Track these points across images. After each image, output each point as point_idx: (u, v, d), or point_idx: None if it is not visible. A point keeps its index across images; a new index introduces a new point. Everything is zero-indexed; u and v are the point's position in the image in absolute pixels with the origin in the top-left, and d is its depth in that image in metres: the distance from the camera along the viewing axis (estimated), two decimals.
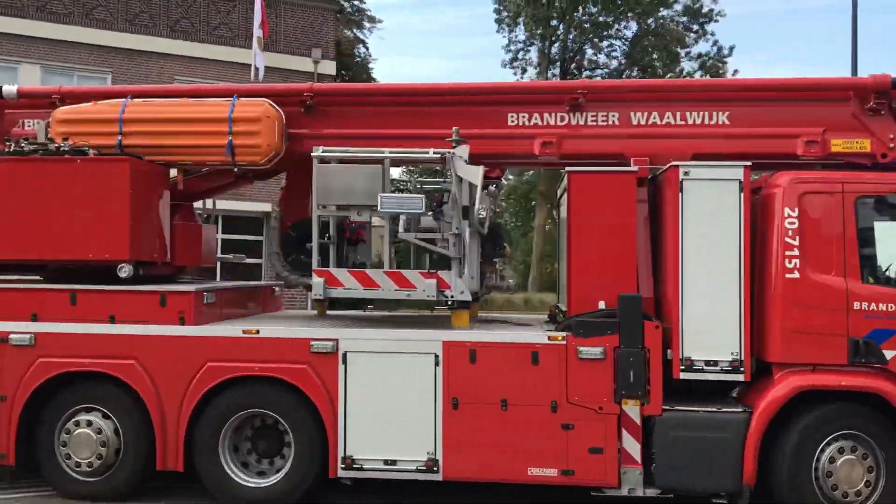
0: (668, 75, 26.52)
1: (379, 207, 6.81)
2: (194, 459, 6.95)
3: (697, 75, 26.87)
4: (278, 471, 6.98)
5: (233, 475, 6.97)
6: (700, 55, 27.03)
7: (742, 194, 6.56)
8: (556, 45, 28.42)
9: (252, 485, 6.97)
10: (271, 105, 7.54)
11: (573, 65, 29.12)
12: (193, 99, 7.80)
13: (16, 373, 7.04)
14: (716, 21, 27.00)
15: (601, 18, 27.84)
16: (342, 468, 6.79)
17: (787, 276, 6.51)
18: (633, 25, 27.72)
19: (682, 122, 7.44)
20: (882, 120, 7.16)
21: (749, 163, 6.68)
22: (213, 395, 6.90)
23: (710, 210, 6.60)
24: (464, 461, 6.70)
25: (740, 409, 6.59)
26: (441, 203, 7.04)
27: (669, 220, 6.75)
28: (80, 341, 7.03)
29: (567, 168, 7.04)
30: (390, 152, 7.09)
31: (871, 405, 6.46)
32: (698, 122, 7.43)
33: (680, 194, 6.61)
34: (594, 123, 7.53)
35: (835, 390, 6.47)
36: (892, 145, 7.09)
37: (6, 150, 7.43)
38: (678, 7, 27.13)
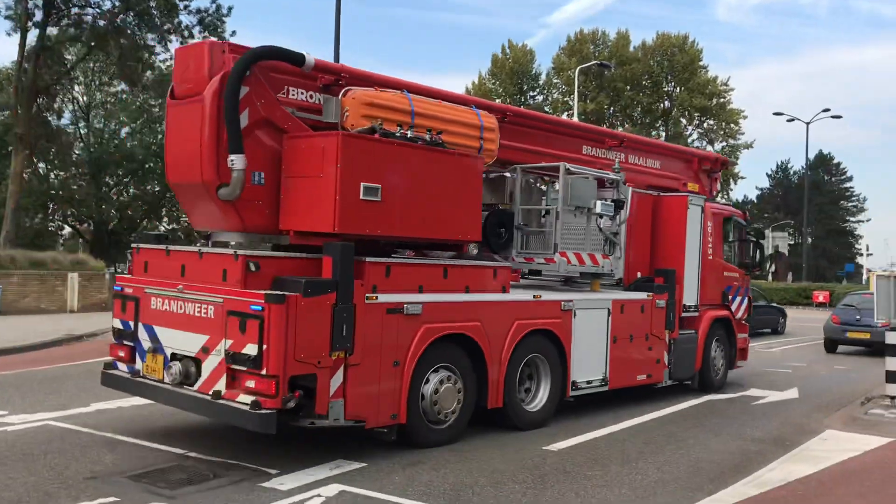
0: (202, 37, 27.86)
1: (595, 209, 10.15)
2: (505, 397, 8.99)
3: (196, 31, 28.68)
4: (538, 397, 9.59)
5: (522, 403, 9.33)
6: (200, 10, 28.69)
7: (703, 213, 12.33)
8: None
9: (528, 409, 9.44)
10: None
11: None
12: (443, 102, 9.06)
13: (406, 339, 7.83)
14: None
15: None
16: (571, 390, 9.93)
17: (708, 257, 12.48)
18: None
19: (649, 165, 12.58)
20: (704, 176, 13.74)
21: (705, 197, 12.58)
22: (518, 346, 9.09)
23: (694, 219, 12.13)
24: (616, 376, 10.65)
25: (694, 332, 12.29)
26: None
27: (679, 225, 11.96)
28: (449, 308, 8.27)
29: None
30: (597, 171, 10.65)
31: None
32: (655, 166, 12.70)
33: (687, 211, 11.98)
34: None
35: (722, 317, 12.83)
36: (709, 191, 13.76)
37: (361, 128, 7.77)
38: None
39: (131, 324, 8.30)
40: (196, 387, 7.47)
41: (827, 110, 47.15)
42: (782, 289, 46.81)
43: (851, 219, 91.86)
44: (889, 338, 11.21)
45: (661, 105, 78.12)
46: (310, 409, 7.15)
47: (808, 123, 47.07)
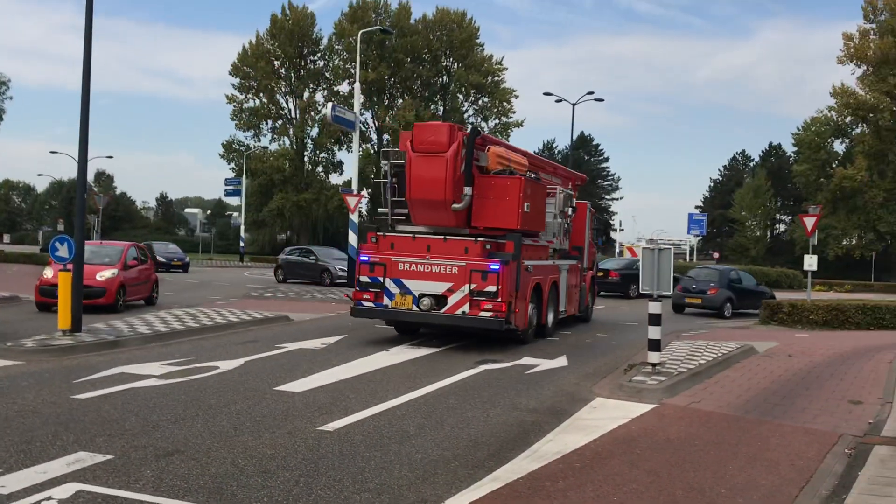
0: None
1: (569, 213, 18.59)
2: (546, 316, 16.32)
3: None
4: (550, 317, 16.60)
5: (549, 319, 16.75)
6: None
7: (589, 212, 20.67)
8: None
9: (549, 323, 16.48)
10: None
11: None
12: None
13: (528, 285, 15.96)
14: None
15: None
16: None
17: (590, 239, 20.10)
18: None
19: (555, 181, 18.36)
20: (574, 186, 20.30)
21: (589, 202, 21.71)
22: (551, 288, 16.46)
23: (587, 216, 20.05)
24: (567, 309, 18.55)
25: (584, 284, 20.02)
26: None
27: (583, 220, 19.77)
28: (537, 269, 15.53)
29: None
30: (568, 190, 18.87)
31: None
32: (558, 181, 18.45)
33: (586, 211, 20.13)
34: None
35: (594, 275, 21.71)
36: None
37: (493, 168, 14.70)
38: None
39: (380, 279, 14.32)
40: (442, 311, 13.90)
41: (591, 93, 49.98)
42: None
43: (607, 196, 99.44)
44: (651, 307, 11.75)
45: (440, 79, 79.37)
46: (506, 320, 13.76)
47: (573, 105, 49.68)
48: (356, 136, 33.04)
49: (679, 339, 16.55)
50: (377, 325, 16.68)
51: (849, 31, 70.90)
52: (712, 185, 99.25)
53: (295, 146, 77.78)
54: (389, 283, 14.19)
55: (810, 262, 23.40)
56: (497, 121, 77.59)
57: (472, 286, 13.57)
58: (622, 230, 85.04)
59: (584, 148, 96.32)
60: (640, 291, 12.48)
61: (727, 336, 17.53)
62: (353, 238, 30.14)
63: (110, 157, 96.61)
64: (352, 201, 30.04)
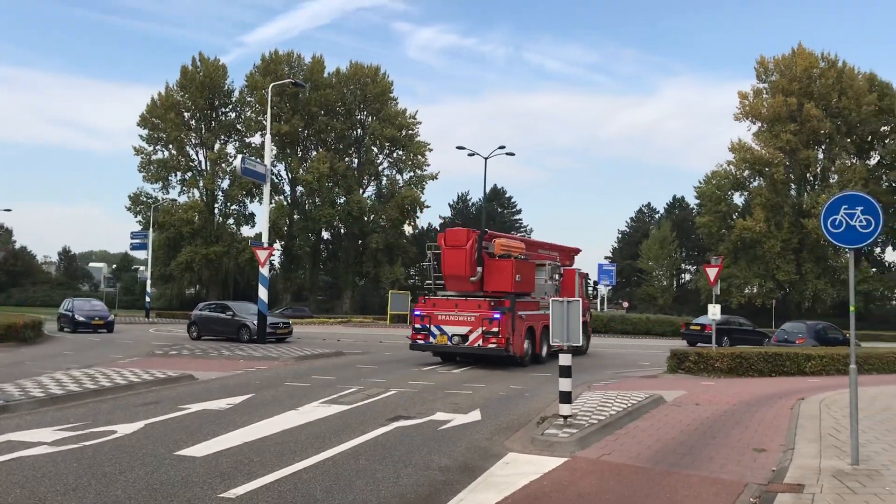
0: None
1: (556, 278, 26.91)
2: (540, 349, 24.01)
3: None
4: (545, 350, 24.18)
5: (542, 351, 24.33)
6: None
7: (578, 276, 28.62)
8: None
9: (544, 354, 24.30)
10: None
11: None
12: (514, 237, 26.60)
13: (522, 328, 22.88)
14: None
15: None
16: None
17: (580, 294, 27.38)
18: None
19: (553, 254, 27.48)
20: (571, 256, 29.69)
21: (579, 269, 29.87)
22: (543, 329, 23.39)
23: (576, 278, 27.92)
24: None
25: None
26: None
27: (572, 281, 27.68)
28: (529, 317, 23.39)
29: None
30: (555, 262, 27.64)
31: None
32: (555, 255, 28.04)
33: (575, 276, 28.00)
34: None
35: (585, 321, 27.54)
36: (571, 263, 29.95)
37: (498, 253, 23.10)
38: None
39: (428, 326, 22.53)
40: (466, 345, 22.14)
41: (502, 147, 50.99)
42: None
43: None
44: (561, 359, 11.81)
45: (354, 132, 79.67)
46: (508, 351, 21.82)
47: (486, 158, 50.49)
48: (267, 189, 32.64)
49: (590, 389, 16.67)
50: (313, 375, 16.59)
51: (744, 90, 75.10)
52: (620, 236, 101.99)
53: (205, 198, 76.34)
54: (433, 328, 22.60)
55: (714, 311, 24.14)
56: (412, 173, 78.21)
57: (483, 328, 21.93)
58: None
59: (498, 200, 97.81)
60: (551, 343, 12.53)
61: (637, 385, 17.78)
62: (262, 293, 29.45)
63: (8, 209, 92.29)
64: (262, 255, 29.51)
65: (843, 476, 8.62)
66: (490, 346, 21.75)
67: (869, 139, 74.38)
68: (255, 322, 30.95)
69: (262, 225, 33.28)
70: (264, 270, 29.53)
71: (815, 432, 11.55)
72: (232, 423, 11.83)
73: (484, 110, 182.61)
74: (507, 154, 51.51)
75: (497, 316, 21.65)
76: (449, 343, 22.32)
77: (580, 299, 12.34)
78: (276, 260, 79.25)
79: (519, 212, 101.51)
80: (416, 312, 23.16)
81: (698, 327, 37.42)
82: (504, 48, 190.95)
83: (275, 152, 74.09)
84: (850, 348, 9.96)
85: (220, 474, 8.46)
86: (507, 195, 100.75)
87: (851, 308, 10.07)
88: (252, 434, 10.91)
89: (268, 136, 34.83)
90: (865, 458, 9.47)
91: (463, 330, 22.18)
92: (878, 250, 76.74)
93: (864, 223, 9.49)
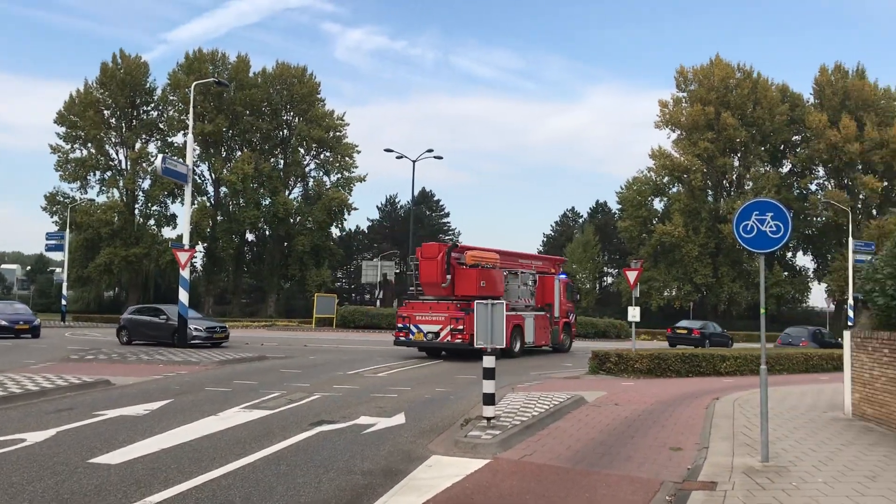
0: None
1: (530, 284, 31.47)
2: (522, 345, 29.29)
3: None
4: (517, 345, 28.91)
5: (521, 346, 29.18)
6: None
7: (558, 281, 32.30)
8: None
9: (524, 347, 29.50)
10: None
11: None
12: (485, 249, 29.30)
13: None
14: None
15: None
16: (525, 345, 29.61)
17: (561, 298, 32.01)
18: None
19: (539, 264, 32.39)
20: (557, 266, 33.81)
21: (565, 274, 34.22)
22: (515, 328, 28.16)
23: (556, 284, 31.69)
24: (535, 341, 30.97)
25: (558, 327, 32.61)
26: None
27: (551, 286, 31.86)
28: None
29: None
30: (531, 271, 32.11)
31: None
32: (539, 264, 32.84)
33: (555, 281, 31.97)
34: None
35: (566, 322, 33.10)
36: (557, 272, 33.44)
37: (469, 263, 27.06)
38: None
39: (408, 325, 27.00)
40: (438, 340, 26.54)
41: (430, 151, 51.22)
42: (388, 314, 49.40)
43: None
44: (485, 361, 11.92)
45: (281, 133, 78.66)
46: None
47: (414, 162, 50.61)
48: (188, 189, 31.97)
49: (514, 391, 16.86)
50: (235, 380, 15.96)
51: (664, 99, 77.20)
52: (545, 239, 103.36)
53: (125, 199, 74.16)
54: (412, 327, 26.88)
55: (634, 313, 24.80)
56: (339, 175, 77.64)
57: (451, 326, 26.03)
58: None
59: (426, 203, 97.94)
60: (476, 344, 12.66)
61: (560, 387, 18.07)
62: (183, 295, 28.77)
63: None
64: (182, 257, 28.86)
65: (754, 473, 8.95)
66: (457, 341, 25.83)
67: (781, 148, 77.54)
68: (192, 326, 30.00)
69: (183, 226, 32.56)
70: (185, 273, 28.87)
71: (728, 431, 11.97)
72: (149, 429, 11.52)
73: (413, 113, 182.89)
74: (435, 157, 51.78)
75: (462, 315, 25.59)
76: (425, 339, 26.67)
77: (504, 302, 12.49)
78: (199, 262, 77.61)
79: (447, 215, 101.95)
80: (399, 314, 27.88)
81: (684, 331, 43.02)
82: (433, 51, 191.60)
83: (198, 152, 72.55)
84: (761, 349, 10.35)
85: (135, 482, 8.24)
86: (435, 198, 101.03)
87: (762, 310, 10.46)
88: (170, 440, 10.66)
89: (189, 136, 34.09)
90: (775, 455, 9.86)
91: (436, 328, 26.37)
92: (789, 255, 79.87)
93: (774, 228, 9.88)
